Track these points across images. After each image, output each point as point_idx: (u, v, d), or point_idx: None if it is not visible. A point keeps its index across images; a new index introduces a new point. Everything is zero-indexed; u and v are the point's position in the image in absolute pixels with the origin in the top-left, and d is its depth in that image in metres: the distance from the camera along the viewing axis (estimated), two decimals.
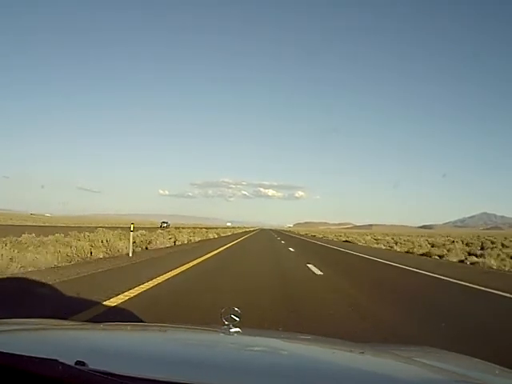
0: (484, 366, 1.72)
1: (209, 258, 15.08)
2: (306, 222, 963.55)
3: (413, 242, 34.67)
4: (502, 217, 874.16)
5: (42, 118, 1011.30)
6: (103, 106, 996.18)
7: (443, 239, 41.39)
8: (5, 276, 8.05)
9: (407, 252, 26.00)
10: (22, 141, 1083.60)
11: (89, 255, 12.64)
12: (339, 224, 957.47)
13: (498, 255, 18.76)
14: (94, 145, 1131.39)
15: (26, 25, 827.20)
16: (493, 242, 33.43)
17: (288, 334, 2.72)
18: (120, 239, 15.55)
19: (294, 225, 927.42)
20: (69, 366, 0.93)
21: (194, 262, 12.54)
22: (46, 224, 57.86)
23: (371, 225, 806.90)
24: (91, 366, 0.96)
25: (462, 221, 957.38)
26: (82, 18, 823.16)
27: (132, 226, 14.92)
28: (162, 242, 20.16)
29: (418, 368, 1.46)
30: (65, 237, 15.22)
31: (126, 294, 6.55)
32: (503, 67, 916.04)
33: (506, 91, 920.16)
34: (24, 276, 8.16)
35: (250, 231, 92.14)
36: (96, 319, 4.66)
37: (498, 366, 1.64)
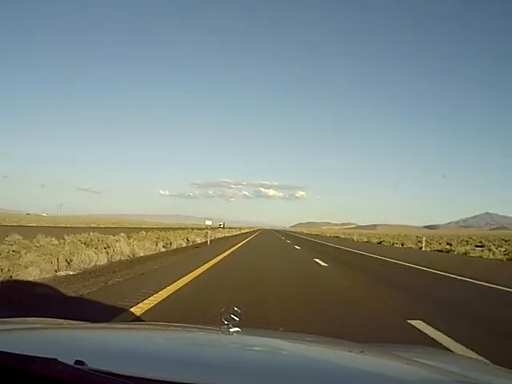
0: (484, 366, 1.72)
1: None
2: (308, 222, 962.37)
3: None
4: (505, 217, 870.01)
5: (42, 118, 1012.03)
6: (103, 106, 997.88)
7: None
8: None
9: None
10: (21, 140, 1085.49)
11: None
12: (342, 224, 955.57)
13: None
14: (94, 145, 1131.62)
15: (26, 25, 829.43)
16: None
17: (288, 334, 2.71)
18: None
19: (296, 225, 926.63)
20: (68, 365, 0.93)
21: None
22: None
23: (375, 225, 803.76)
24: (91, 366, 0.96)
25: (465, 221, 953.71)
26: (82, 19, 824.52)
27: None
28: None
29: (418, 368, 1.46)
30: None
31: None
32: (505, 66, 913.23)
33: (509, 90, 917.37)
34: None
35: (242, 235, 54.79)
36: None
37: (498, 366, 1.64)
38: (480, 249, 29.08)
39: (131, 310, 5.71)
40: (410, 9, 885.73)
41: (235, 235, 54.96)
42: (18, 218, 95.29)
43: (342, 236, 77.69)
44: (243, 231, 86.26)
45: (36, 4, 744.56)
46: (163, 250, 19.12)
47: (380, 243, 44.18)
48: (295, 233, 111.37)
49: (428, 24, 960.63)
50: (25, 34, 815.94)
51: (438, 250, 29.88)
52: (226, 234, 51.27)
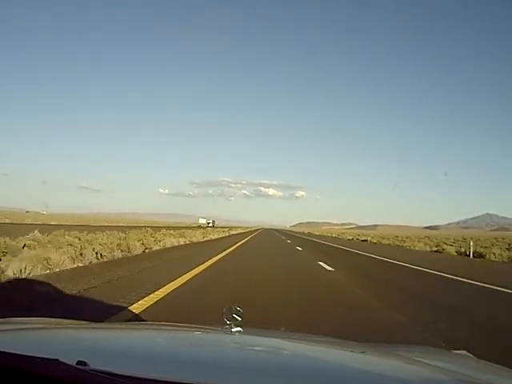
0: (485, 365, 1.72)
1: None
2: (308, 222, 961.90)
3: None
4: (505, 218, 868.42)
5: (43, 117, 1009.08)
6: (103, 105, 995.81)
7: None
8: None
9: None
10: (21, 139, 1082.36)
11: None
12: (342, 224, 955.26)
13: None
14: (94, 143, 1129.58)
15: (26, 24, 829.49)
16: None
17: (289, 334, 2.71)
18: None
19: (296, 225, 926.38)
20: (70, 365, 0.93)
21: None
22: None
23: (376, 225, 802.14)
24: (92, 366, 0.96)
25: (465, 222, 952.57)
26: (82, 19, 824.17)
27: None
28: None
29: (419, 368, 1.46)
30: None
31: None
32: (505, 66, 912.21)
33: (509, 90, 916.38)
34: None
35: (235, 237, 40.07)
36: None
37: (499, 366, 1.64)
38: None
39: None
40: (410, 9, 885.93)
41: (203, 241, 27.83)
42: (24, 216, 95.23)
43: (373, 240, 48.08)
44: (233, 232, 57.98)
45: (36, 4, 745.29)
46: None
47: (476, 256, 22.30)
48: (300, 234, 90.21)
49: (428, 24, 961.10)
50: (25, 34, 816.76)
51: None
52: (193, 239, 26.57)
